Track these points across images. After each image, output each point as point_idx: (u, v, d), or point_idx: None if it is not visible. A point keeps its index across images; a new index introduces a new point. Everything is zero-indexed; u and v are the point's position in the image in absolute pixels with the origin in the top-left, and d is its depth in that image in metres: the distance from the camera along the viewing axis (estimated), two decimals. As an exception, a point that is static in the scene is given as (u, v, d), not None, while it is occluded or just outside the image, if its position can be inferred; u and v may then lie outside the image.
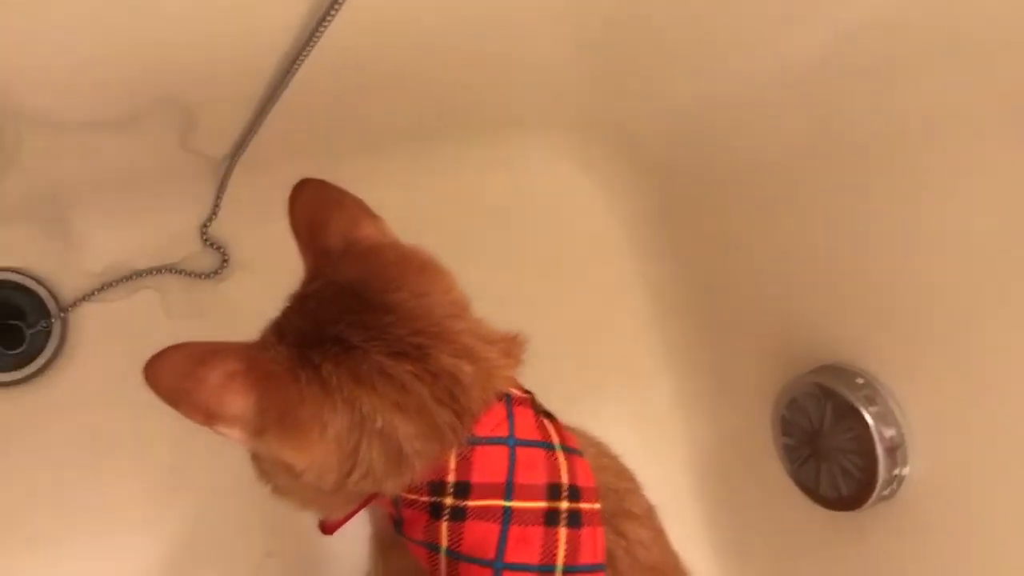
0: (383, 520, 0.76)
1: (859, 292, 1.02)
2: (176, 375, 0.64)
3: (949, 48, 0.87)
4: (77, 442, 1.08)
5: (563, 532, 0.66)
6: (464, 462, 0.65)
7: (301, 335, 0.67)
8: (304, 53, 0.85)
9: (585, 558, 0.66)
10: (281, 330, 0.69)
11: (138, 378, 1.09)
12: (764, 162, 1.09)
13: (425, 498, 0.66)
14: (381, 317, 0.66)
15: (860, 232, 1.01)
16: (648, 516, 0.77)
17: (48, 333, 1.09)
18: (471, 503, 0.65)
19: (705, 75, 1.09)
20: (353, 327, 0.66)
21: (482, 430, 0.66)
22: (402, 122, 1.14)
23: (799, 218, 1.08)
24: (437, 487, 0.65)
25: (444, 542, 0.65)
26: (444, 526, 0.65)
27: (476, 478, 0.65)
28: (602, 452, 0.80)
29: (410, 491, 0.67)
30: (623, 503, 0.75)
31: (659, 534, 0.77)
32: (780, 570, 1.18)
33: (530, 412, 0.70)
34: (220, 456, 1.10)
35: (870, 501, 0.99)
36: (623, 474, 0.79)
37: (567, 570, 0.65)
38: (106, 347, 1.11)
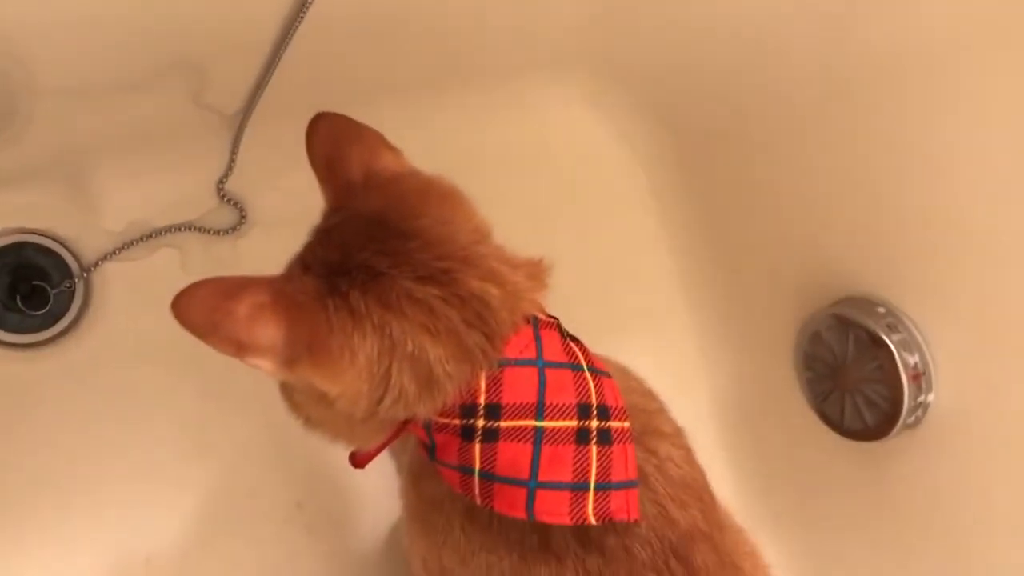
0: (416, 449, 0.76)
1: (878, 222, 1.02)
2: (205, 309, 0.65)
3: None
4: (104, 401, 1.09)
5: (594, 450, 0.66)
6: (494, 384, 0.66)
7: (327, 265, 0.67)
8: (308, 3, 0.85)
9: (617, 475, 0.67)
10: (306, 262, 0.69)
11: (162, 335, 1.09)
12: (778, 93, 1.09)
13: (457, 421, 0.67)
14: (406, 243, 0.67)
15: (877, 161, 1.00)
16: (677, 435, 0.77)
17: (72, 293, 1.09)
18: (503, 424, 0.65)
19: (716, 6, 1.09)
20: (379, 254, 0.66)
21: (511, 352, 0.67)
22: (412, 70, 1.14)
23: (815, 150, 1.08)
24: (468, 409, 0.66)
25: (477, 464, 0.66)
26: (477, 448, 0.66)
27: (507, 399, 0.66)
28: (629, 375, 0.81)
29: (442, 415, 0.67)
30: (652, 422, 0.75)
31: (688, 452, 0.77)
32: (806, 505, 1.18)
33: (556, 335, 0.71)
34: (247, 410, 1.12)
35: (895, 430, 1.00)
36: (650, 395, 0.80)
37: (600, 487, 0.66)
38: (129, 306, 1.12)
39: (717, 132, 1.21)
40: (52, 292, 1.08)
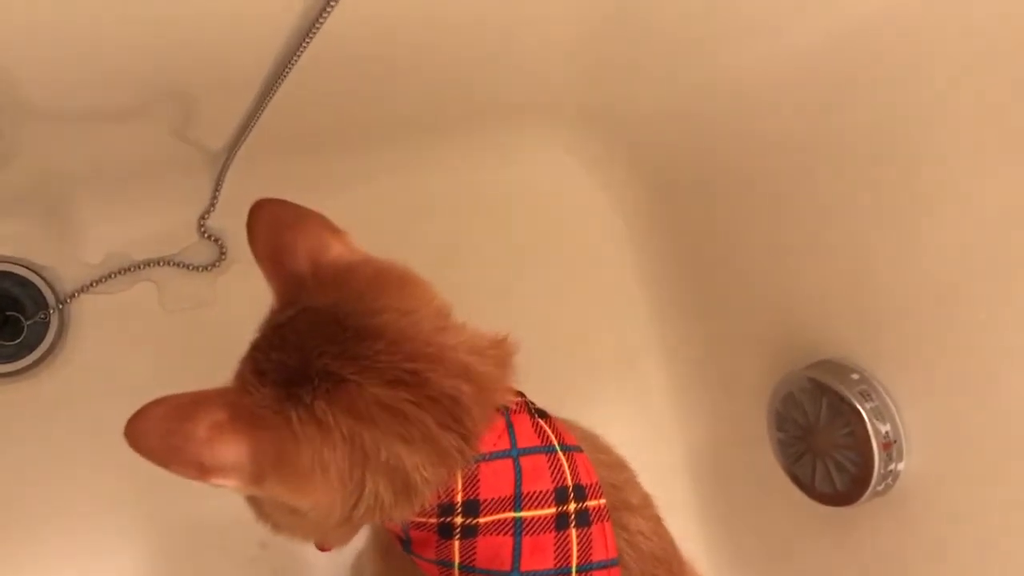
0: (386, 535, 0.74)
1: (856, 288, 1.02)
2: (161, 434, 0.61)
3: (954, 43, 0.87)
4: (75, 434, 1.08)
5: (574, 533, 0.65)
6: (471, 481, 0.64)
7: (285, 371, 0.63)
8: (301, 47, 0.85)
9: (598, 555, 0.66)
10: (260, 368, 0.64)
11: (137, 369, 1.11)
12: (762, 156, 1.09)
13: (434, 520, 0.65)
14: (370, 345, 0.63)
15: (857, 228, 1.01)
16: (646, 505, 0.76)
17: (46, 324, 1.09)
18: (482, 520, 0.64)
19: (704, 67, 1.09)
20: (341, 359, 0.63)
21: (485, 446, 0.65)
22: (399, 116, 1.14)
23: (796, 213, 1.08)
24: (446, 508, 0.64)
25: (457, 559, 0.64)
26: (456, 544, 0.64)
27: (484, 494, 0.64)
28: (596, 447, 0.79)
29: (418, 515, 0.65)
30: (621, 496, 0.74)
31: (657, 522, 0.76)
32: (774, 566, 1.18)
33: (526, 418, 0.69)
34: None
35: (865, 496, 0.99)
36: (617, 466, 0.78)
37: (582, 569, 0.65)
38: (104, 339, 1.11)
39: (697, 186, 1.22)
40: (26, 323, 1.07)
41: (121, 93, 0.96)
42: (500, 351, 0.69)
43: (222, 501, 1.11)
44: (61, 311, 1.09)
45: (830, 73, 0.98)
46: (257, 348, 0.67)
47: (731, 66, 1.07)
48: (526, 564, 0.64)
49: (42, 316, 1.08)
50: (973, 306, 0.91)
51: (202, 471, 0.61)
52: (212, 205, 1.14)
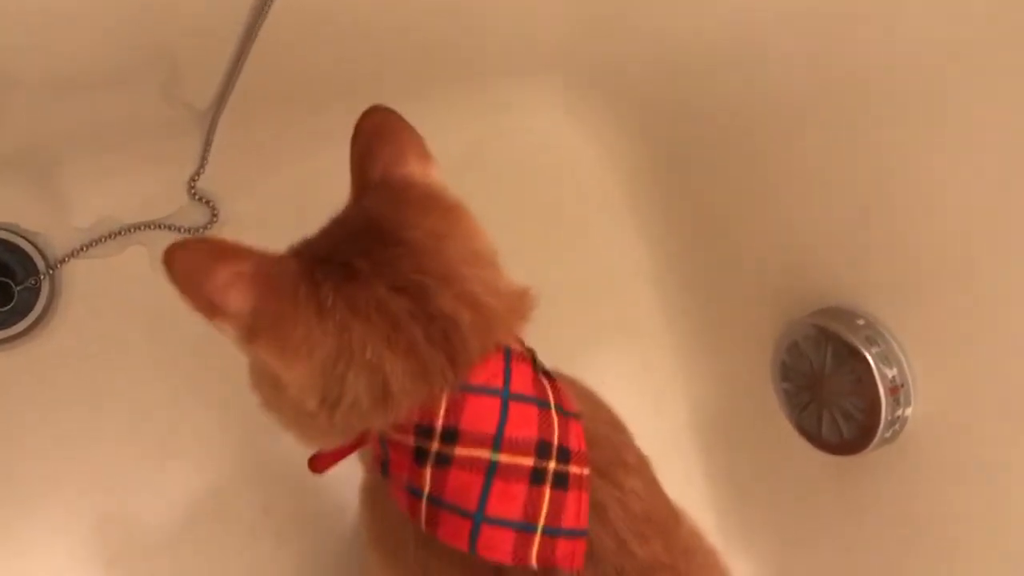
0: (372, 466, 0.76)
1: (859, 233, 1.01)
2: (191, 264, 0.66)
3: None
4: (69, 399, 1.08)
5: (548, 492, 0.66)
6: (454, 408, 0.65)
7: (315, 254, 0.68)
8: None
9: (568, 521, 0.66)
10: (299, 248, 0.70)
11: (130, 334, 1.10)
12: (760, 103, 1.08)
13: (411, 440, 0.66)
14: (391, 251, 0.67)
15: (857, 172, 0.99)
16: (642, 466, 0.77)
17: (37, 291, 1.08)
18: (457, 451, 0.65)
19: (695, 14, 1.08)
20: (362, 255, 0.66)
21: (476, 379, 0.66)
22: (386, 75, 1.13)
23: (795, 160, 1.07)
24: (425, 431, 0.66)
25: (427, 488, 0.66)
26: (428, 472, 0.66)
27: (465, 425, 0.65)
28: (598, 404, 0.80)
29: (398, 430, 0.67)
30: (619, 454, 0.75)
31: (652, 483, 0.77)
32: (783, 517, 1.17)
33: (528, 369, 0.70)
34: (216, 414, 1.11)
35: (873, 443, 0.99)
36: (618, 426, 0.80)
37: (547, 531, 0.66)
38: (96, 303, 1.10)
39: (696, 141, 1.20)
40: (16, 289, 1.06)
41: (105, 58, 0.96)
42: (516, 298, 0.70)
43: (222, 466, 1.12)
44: (52, 276, 1.08)
45: (822, 16, 0.96)
46: (314, 234, 0.72)
47: (720, 11, 1.06)
48: (491, 508, 0.65)
49: (32, 282, 1.06)
50: (977, 247, 0.90)
51: (211, 309, 0.66)
52: (202, 167, 1.13)
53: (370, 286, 0.65)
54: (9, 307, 1.06)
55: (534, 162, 1.28)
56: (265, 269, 0.66)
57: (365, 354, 0.64)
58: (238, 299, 0.65)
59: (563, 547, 0.66)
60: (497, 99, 1.26)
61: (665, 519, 0.75)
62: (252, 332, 0.66)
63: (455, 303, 0.66)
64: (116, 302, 1.10)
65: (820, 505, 1.12)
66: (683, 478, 1.22)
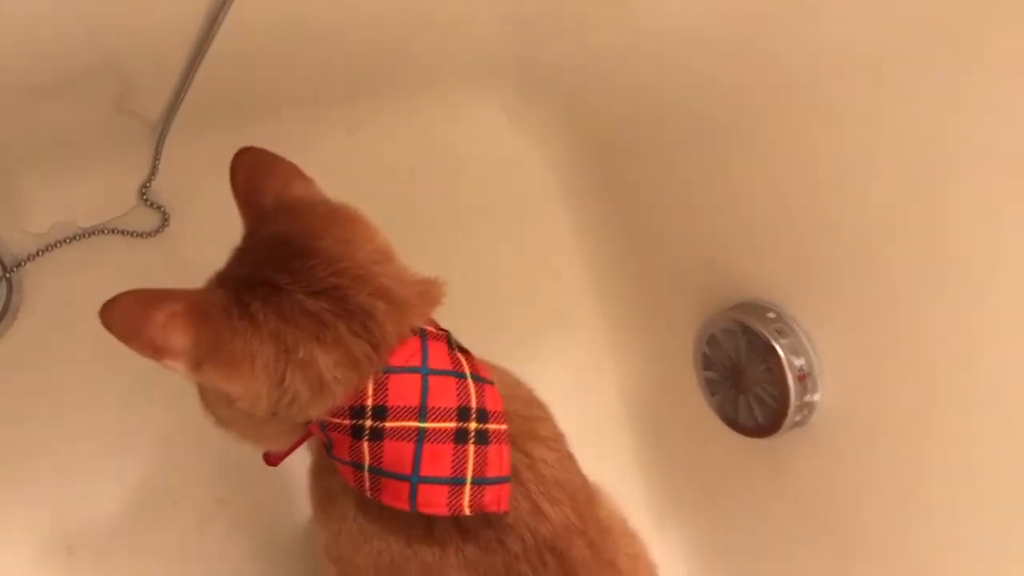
0: (318, 447, 0.83)
1: (768, 232, 1.08)
2: (128, 315, 0.72)
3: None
4: (27, 401, 1.11)
5: (472, 448, 0.73)
6: (380, 388, 0.73)
7: (238, 280, 0.75)
8: (224, 11, 0.90)
9: (492, 471, 0.74)
10: (222, 278, 0.77)
11: (86, 336, 1.11)
12: (688, 105, 1.14)
13: (347, 421, 0.73)
14: (305, 262, 0.74)
15: (771, 174, 1.06)
16: (555, 440, 0.84)
17: (-5, 294, 1.11)
18: (388, 424, 0.72)
19: (628, 20, 1.13)
20: (280, 271, 0.74)
21: (396, 360, 0.74)
22: (331, 82, 1.18)
23: (716, 160, 1.13)
24: (357, 411, 0.73)
25: (367, 460, 0.73)
26: (365, 446, 0.73)
27: (392, 402, 0.73)
28: (519, 384, 0.87)
29: (334, 416, 0.74)
30: (530, 427, 0.82)
31: (564, 457, 0.84)
32: (705, 494, 1.25)
33: (443, 346, 0.77)
34: (169, 408, 1.13)
35: (783, 427, 1.06)
36: (534, 404, 0.86)
37: (475, 482, 0.73)
38: (53, 307, 1.14)
39: (628, 140, 1.26)
40: (-25, 293, 1.09)
41: (58, 68, 0.98)
42: (425, 286, 0.78)
43: (177, 458, 1.16)
44: (9, 280, 1.11)
45: (749, 22, 1.02)
46: (226, 265, 0.79)
47: (651, 18, 1.11)
48: (425, 470, 0.72)
49: (-10, 286, 1.10)
50: (877, 241, 0.97)
51: (155, 351, 0.72)
52: (153, 173, 1.16)
53: (293, 295, 0.73)
54: (-33, 311, 1.09)
55: (474, 161, 1.33)
56: (196, 303, 0.73)
57: (299, 353, 0.72)
58: (178, 336, 0.72)
59: (490, 493, 0.74)
60: (440, 100, 1.30)
61: (576, 489, 0.83)
62: (197, 361, 0.72)
63: (370, 297, 0.74)
64: (73, 304, 1.12)
65: (740, 484, 1.20)
66: (614, 459, 1.28)
